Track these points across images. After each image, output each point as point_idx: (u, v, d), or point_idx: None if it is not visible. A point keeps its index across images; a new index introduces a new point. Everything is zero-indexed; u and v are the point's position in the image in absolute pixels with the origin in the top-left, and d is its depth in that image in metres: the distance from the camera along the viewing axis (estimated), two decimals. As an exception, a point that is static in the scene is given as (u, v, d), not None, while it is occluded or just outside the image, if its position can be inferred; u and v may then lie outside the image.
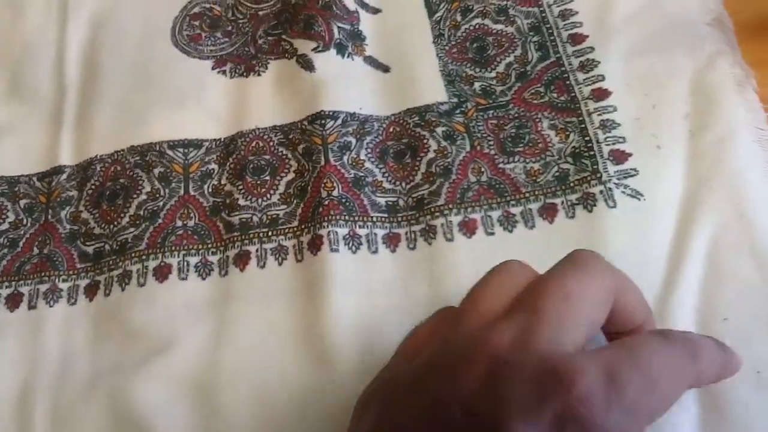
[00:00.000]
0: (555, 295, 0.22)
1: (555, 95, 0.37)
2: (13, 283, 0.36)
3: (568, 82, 0.37)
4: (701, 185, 0.34)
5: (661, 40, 0.38)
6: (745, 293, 0.31)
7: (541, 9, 0.40)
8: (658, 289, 0.32)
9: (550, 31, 0.39)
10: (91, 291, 0.35)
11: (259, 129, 0.38)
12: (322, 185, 0.35)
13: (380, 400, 0.24)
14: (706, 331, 0.31)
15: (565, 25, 0.39)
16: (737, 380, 0.27)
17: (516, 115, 0.37)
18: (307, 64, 0.39)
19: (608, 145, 0.35)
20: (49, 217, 0.38)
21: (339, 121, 0.37)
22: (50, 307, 0.35)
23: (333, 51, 0.40)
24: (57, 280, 0.36)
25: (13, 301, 0.36)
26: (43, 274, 0.36)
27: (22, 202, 0.38)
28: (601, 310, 0.23)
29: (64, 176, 0.39)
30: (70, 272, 0.36)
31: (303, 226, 0.35)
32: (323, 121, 0.37)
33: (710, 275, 0.32)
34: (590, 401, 0.19)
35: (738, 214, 0.33)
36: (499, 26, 0.40)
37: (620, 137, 0.35)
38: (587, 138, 0.36)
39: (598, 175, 0.34)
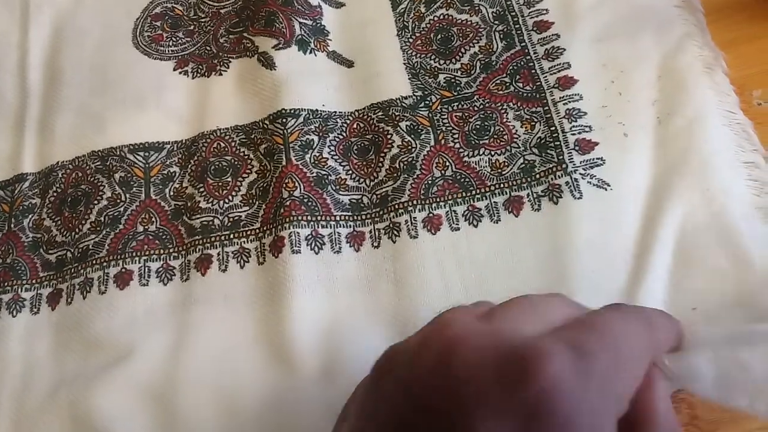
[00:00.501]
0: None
1: (520, 85, 0.36)
2: (-24, 294, 0.36)
3: (533, 71, 0.37)
4: (669, 172, 0.33)
5: (628, 24, 0.37)
6: (714, 282, 0.31)
7: (506, -3, 0.39)
8: (625, 280, 0.31)
9: (516, 19, 0.38)
10: (53, 300, 0.35)
11: (220, 129, 0.38)
12: (284, 185, 0.35)
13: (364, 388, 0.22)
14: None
15: (530, 12, 0.38)
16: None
17: (481, 106, 0.36)
18: (267, 62, 0.38)
19: (574, 134, 0.34)
20: (12, 226, 0.37)
21: (300, 119, 0.37)
22: (13, 317, 0.35)
23: (294, 47, 0.39)
24: (20, 289, 0.36)
25: (-24, 313, 0.35)
26: (6, 283, 0.36)
27: (-15, 212, 0.38)
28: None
29: (27, 184, 0.38)
30: (33, 281, 0.36)
31: (265, 228, 0.34)
32: (284, 120, 0.36)
33: (679, 264, 0.31)
34: (562, 386, 0.18)
35: (707, 201, 0.32)
36: (464, 16, 0.39)
37: (586, 126, 0.34)
38: (553, 128, 0.35)
39: (564, 165, 0.34)
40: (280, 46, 0.39)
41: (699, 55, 0.35)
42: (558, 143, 0.34)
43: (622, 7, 0.37)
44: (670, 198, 0.32)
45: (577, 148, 0.34)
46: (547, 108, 0.35)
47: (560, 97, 0.35)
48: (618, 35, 0.37)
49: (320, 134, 0.37)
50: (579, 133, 0.34)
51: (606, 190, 0.33)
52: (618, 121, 0.34)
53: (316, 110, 0.37)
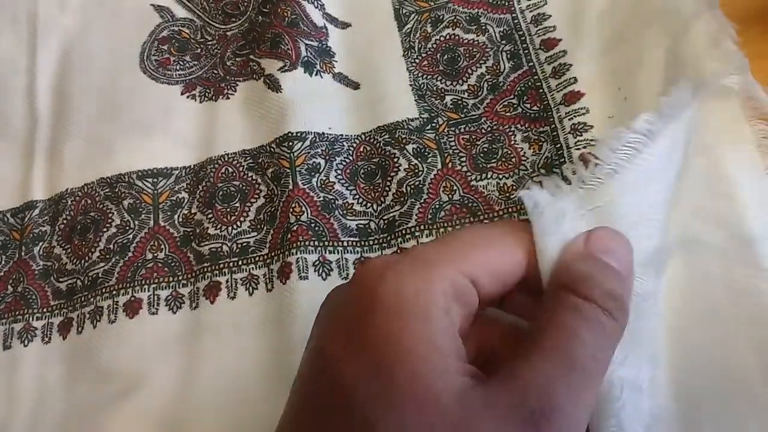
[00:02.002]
0: None
1: (528, 106, 0.36)
2: (-12, 323, 0.36)
3: (540, 91, 0.36)
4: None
5: (632, 28, 0.36)
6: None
7: (513, 15, 0.39)
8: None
9: (523, 38, 0.38)
10: (64, 328, 0.35)
11: (228, 154, 0.38)
12: (291, 210, 0.35)
13: None
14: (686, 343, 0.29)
15: (537, 30, 0.38)
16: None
17: (488, 129, 0.36)
18: (273, 85, 0.38)
19: (578, 149, 0.34)
20: (23, 254, 0.38)
21: (307, 143, 0.37)
22: (25, 346, 0.35)
23: (300, 69, 0.39)
24: (31, 318, 0.36)
25: (-12, 341, 0.36)
26: (17, 312, 0.36)
27: (-3, 239, 0.38)
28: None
29: (37, 211, 0.39)
30: (44, 310, 0.36)
31: (273, 254, 0.34)
32: (291, 143, 0.36)
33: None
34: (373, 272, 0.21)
35: (715, 194, 0.31)
36: (471, 36, 0.39)
37: (592, 140, 0.34)
38: (558, 146, 0.34)
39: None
40: (286, 68, 0.39)
41: (705, 32, 0.32)
42: (563, 161, 0.34)
43: (628, 12, 0.36)
44: (679, 201, 0.31)
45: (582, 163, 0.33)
46: (554, 126, 0.35)
47: (566, 113, 0.35)
48: (624, 38, 0.36)
49: (327, 158, 0.36)
50: (584, 147, 0.34)
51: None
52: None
53: (323, 133, 0.37)
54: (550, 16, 0.38)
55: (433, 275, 0.20)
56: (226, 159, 0.38)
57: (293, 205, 0.35)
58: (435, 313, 0.20)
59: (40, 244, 0.38)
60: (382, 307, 0.20)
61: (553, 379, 0.19)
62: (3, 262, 0.38)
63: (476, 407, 0.18)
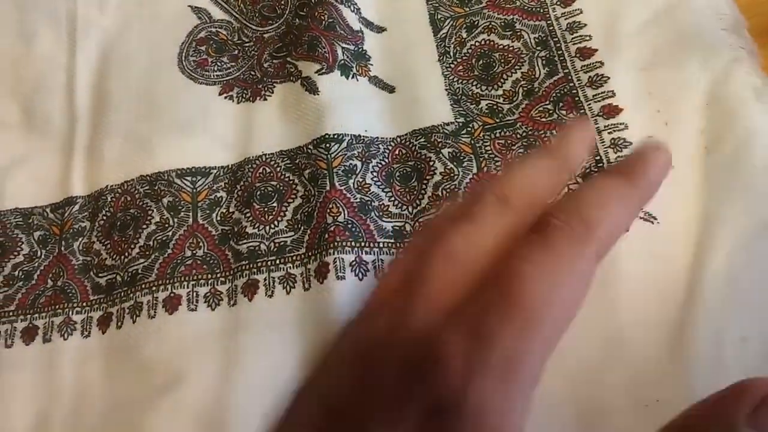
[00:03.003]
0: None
1: (564, 113, 0.36)
2: (29, 316, 0.37)
3: (577, 99, 0.37)
4: (718, 203, 0.33)
5: (673, 51, 0.37)
6: (765, 309, 0.30)
7: (549, 22, 0.39)
8: (676, 313, 0.31)
9: (558, 45, 0.38)
10: (103, 323, 0.36)
11: (265, 155, 0.38)
12: (328, 211, 0.35)
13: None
14: (723, 353, 0.30)
15: (573, 38, 0.38)
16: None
17: (524, 134, 0.36)
18: (311, 87, 0.39)
19: (618, 164, 0.34)
20: (63, 248, 0.38)
21: (344, 144, 0.37)
22: (65, 340, 0.36)
23: (337, 72, 0.39)
24: (71, 312, 0.36)
25: (28, 335, 0.36)
26: (57, 306, 0.37)
27: (36, 234, 0.39)
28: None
29: (77, 207, 0.39)
30: (84, 304, 0.37)
31: (310, 253, 0.35)
32: (328, 145, 0.37)
33: (730, 295, 0.31)
34: (456, 389, 0.16)
35: (757, 229, 0.32)
36: (506, 41, 0.39)
37: None
38: (597, 158, 0.35)
39: (609, 196, 0.33)
40: (323, 71, 0.39)
41: (747, 81, 0.35)
42: (602, 172, 0.34)
43: (667, 31, 0.37)
44: (718, 229, 0.32)
45: (622, 178, 0.34)
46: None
47: (605, 126, 0.35)
48: (663, 62, 0.36)
49: (363, 160, 0.37)
50: (624, 162, 0.34)
51: (653, 223, 0.33)
52: (664, 152, 0.34)
53: (359, 135, 0.38)
54: (586, 25, 0.39)
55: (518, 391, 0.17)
56: (264, 159, 0.38)
57: (330, 206, 0.35)
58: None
59: (80, 239, 0.38)
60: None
61: None
62: (43, 257, 0.38)
63: None
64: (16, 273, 0.38)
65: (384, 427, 0.17)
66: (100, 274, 0.37)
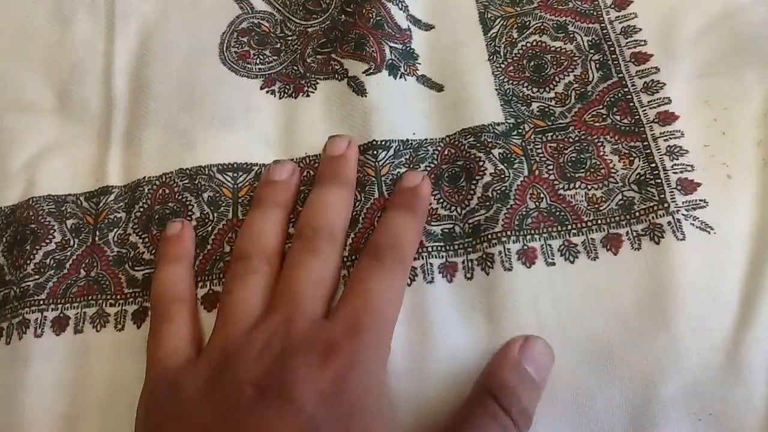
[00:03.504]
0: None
1: (618, 118, 0.36)
2: (60, 306, 0.36)
3: (631, 104, 0.36)
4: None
5: (730, 60, 0.36)
6: None
7: (602, 25, 0.38)
8: (731, 327, 0.30)
9: (612, 49, 0.38)
10: (139, 317, 0.35)
11: (309, 157, 0.37)
12: (375, 219, 0.34)
13: (163, 410, 0.28)
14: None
15: (627, 43, 0.38)
16: None
17: (576, 138, 0.36)
18: (358, 88, 0.38)
19: (676, 173, 0.33)
20: (97, 238, 0.37)
21: (391, 152, 0.36)
22: (97, 331, 0.35)
23: (385, 72, 0.38)
24: (104, 304, 0.35)
25: (59, 325, 0.35)
26: (90, 297, 0.36)
27: (69, 222, 0.38)
28: None
29: (112, 197, 0.38)
30: (118, 297, 0.36)
31: (354, 257, 0.34)
32: (375, 152, 0.36)
33: None
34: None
35: None
36: (558, 43, 0.38)
37: (688, 165, 0.33)
38: (653, 164, 0.34)
39: (666, 204, 0.33)
40: (371, 71, 0.38)
41: None
42: (659, 181, 0.33)
43: (724, 40, 0.36)
44: None
45: (679, 187, 0.33)
46: (646, 143, 0.34)
47: (660, 133, 0.35)
48: (720, 71, 0.36)
49: (411, 166, 0.36)
50: (681, 172, 0.33)
51: (709, 233, 0.32)
52: (722, 162, 0.33)
53: (407, 140, 0.37)
54: (641, 29, 0.38)
55: None
56: (308, 162, 0.37)
57: (378, 214, 0.34)
58: None
59: (115, 230, 0.37)
60: None
61: None
62: (76, 246, 0.37)
63: None
64: (48, 261, 0.37)
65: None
66: (137, 268, 0.36)
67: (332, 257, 0.32)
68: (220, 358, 0.29)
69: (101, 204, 0.38)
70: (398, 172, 0.36)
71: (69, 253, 0.37)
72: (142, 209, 0.37)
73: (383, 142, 0.36)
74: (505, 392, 0.28)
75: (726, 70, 0.36)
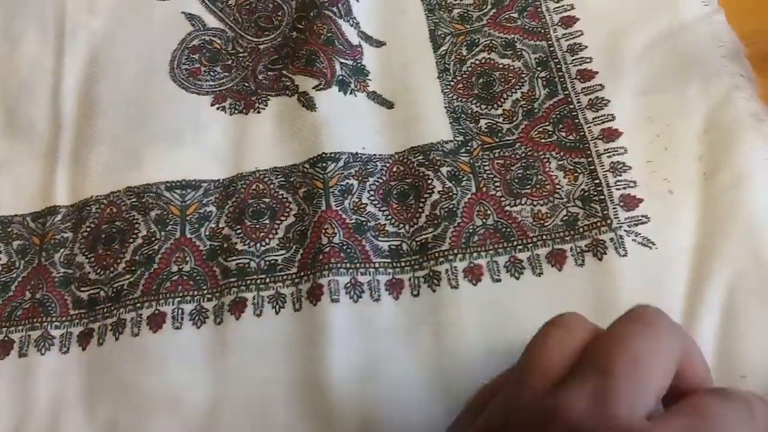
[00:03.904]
0: (624, 356, 0.21)
1: (563, 134, 0.36)
2: (4, 329, 0.35)
3: (576, 121, 0.36)
4: (716, 231, 0.32)
5: (673, 76, 0.36)
6: (764, 349, 0.30)
7: (549, 43, 0.39)
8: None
9: (559, 66, 0.38)
10: (84, 339, 0.34)
11: (259, 171, 0.37)
12: (323, 231, 0.34)
13: None
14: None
15: (573, 60, 0.38)
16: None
17: (523, 154, 0.36)
18: (308, 103, 0.38)
19: (619, 189, 0.34)
20: (43, 259, 0.37)
21: (341, 163, 0.36)
22: (42, 354, 0.34)
23: (335, 88, 0.38)
24: (49, 326, 0.35)
25: (3, 348, 0.35)
26: (35, 320, 0.35)
27: (15, 244, 0.37)
28: (669, 373, 0.22)
29: (59, 217, 0.38)
30: (63, 318, 0.35)
31: (302, 274, 0.34)
32: (324, 164, 0.36)
33: (727, 329, 0.30)
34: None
35: (756, 262, 0.31)
36: (506, 61, 0.39)
37: (631, 181, 0.34)
38: (597, 181, 0.34)
39: (609, 221, 0.33)
40: (321, 86, 0.38)
41: (746, 107, 0.35)
42: (602, 197, 0.34)
43: (668, 57, 0.37)
44: (716, 258, 0.31)
45: (622, 203, 0.33)
46: (590, 160, 0.35)
47: (604, 149, 0.35)
48: (663, 87, 0.36)
49: (360, 178, 0.36)
50: (624, 188, 0.34)
51: (651, 248, 0.32)
52: (663, 177, 0.34)
53: (356, 153, 0.37)
54: (587, 47, 0.38)
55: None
56: (257, 176, 0.37)
57: (326, 227, 0.34)
58: None
59: (62, 250, 0.37)
60: None
61: None
62: (21, 267, 0.37)
63: None
64: (-7, 284, 0.36)
65: None
66: (83, 288, 0.36)
67: None
68: None
69: (48, 224, 0.38)
70: (347, 183, 0.36)
71: (15, 275, 0.37)
72: (89, 229, 0.37)
73: (332, 154, 0.36)
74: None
75: (669, 87, 0.36)
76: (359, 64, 0.40)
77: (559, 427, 0.20)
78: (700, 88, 0.36)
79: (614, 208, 0.33)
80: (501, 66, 0.39)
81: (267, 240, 0.35)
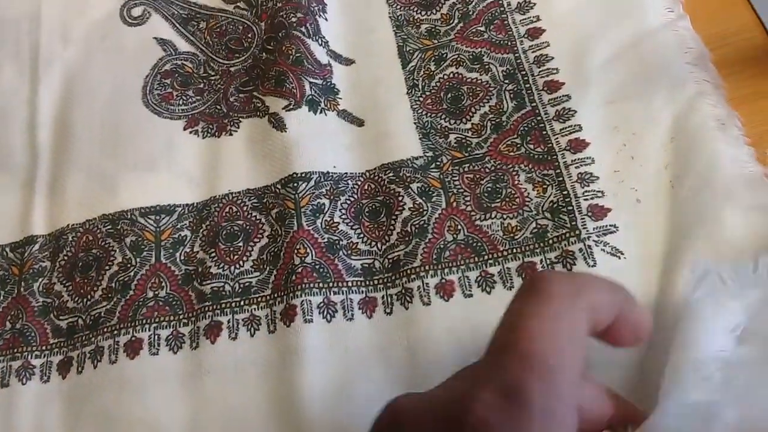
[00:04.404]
0: (523, 351, 0.21)
1: (531, 146, 0.36)
2: (-14, 360, 0.36)
3: (544, 133, 0.36)
4: (683, 238, 0.32)
5: (639, 85, 0.37)
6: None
7: (516, 55, 0.39)
8: (638, 351, 0.31)
9: (526, 78, 0.38)
10: (64, 368, 0.35)
11: (232, 193, 0.38)
12: (295, 251, 0.35)
13: None
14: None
15: (540, 72, 0.38)
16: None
17: (492, 168, 0.36)
18: (278, 124, 0.38)
19: (587, 199, 0.34)
20: (22, 289, 0.37)
21: (312, 183, 0.37)
22: (23, 384, 0.35)
23: (305, 108, 0.39)
24: (30, 356, 0.35)
25: (-15, 379, 0.35)
26: (15, 350, 0.36)
27: (-5, 274, 0.38)
28: (578, 347, 0.21)
29: (37, 246, 0.38)
30: (44, 348, 0.36)
31: (276, 295, 0.34)
32: (295, 184, 0.36)
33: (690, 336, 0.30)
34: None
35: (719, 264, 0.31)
36: (474, 74, 0.39)
37: (599, 191, 0.34)
38: (565, 192, 0.34)
39: (577, 232, 0.33)
40: (291, 107, 0.39)
41: (712, 113, 0.35)
42: (571, 208, 0.34)
43: (633, 66, 0.37)
44: (684, 264, 0.32)
45: (590, 214, 0.34)
46: (558, 171, 0.35)
47: (572, 160, 0.35)
48: (629, 97, 0.36)
49: (331, 197, 0.36)
50: (591, 198, 0.34)
51: (620, 258, 0.33)
52: (631, 187, 0.34)
53: (327, 172, 0.37)
54: (553, 58, 0.38)
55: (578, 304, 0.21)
56: (230, 198, 0.38)
57: (298, 247, 0.35)
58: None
59: (40, 280, 0.37)
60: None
61: None
62: (1, 298, 0.37)
63: None
64: (-26, 315, 0.37)
65: None
66: (61, 317, 0.36)
67: None
68: None
69: (26, 254, 0.38)
70: (318, 202, 0.36)
71: (-5, 306, 0.37)
72: (66, 257, 0.37)
73: (303, 174, 0.37)
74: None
75: (635, 96, 0.36)
76: (329, 83, 0.40)
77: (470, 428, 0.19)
78: (666, 96, 0.36)
79: (582, 219, 0.34)
80: (469, 80, 0.39)
81: (241, 262, 0.36)
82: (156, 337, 0.34)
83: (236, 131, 0.40)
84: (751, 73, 0.38)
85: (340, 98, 0.40)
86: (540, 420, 0.19)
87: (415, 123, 0.38)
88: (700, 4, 0.39)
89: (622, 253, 0.33)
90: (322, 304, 0.33)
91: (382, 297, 0.34)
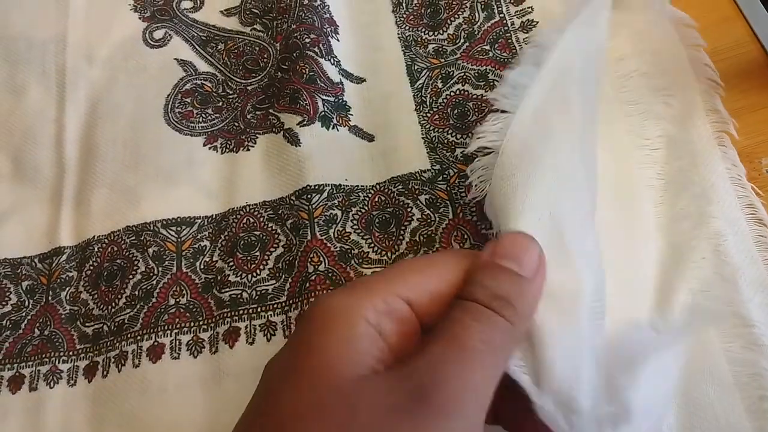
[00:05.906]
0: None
1: (535, 159, 0.38)
2: (15, 365, 0.37)
3: (547, 146, 0.38)
4: (680, 250, 0.33)
5: (638, 91, 0.38)
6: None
7: (520, 72, 0.41)
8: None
9: (529, 94, 0.40)
10: (90, 372, 0.37)
11: (249, 205, 0.39)
12: (309, 260, 0.36)
13: None
14: (691, 399, 0.31)
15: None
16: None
17: (497, 180, 0.38)
18: (292, 139, 0.40)
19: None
20: (50, 298, 0.39)
21: (324, 195, 0.38)
22: (51, 388, 0.37)
23: (318, 124, 0.41)
24: (57, 361, 0.37)
25: (14, 384, 0.37)
26: (43, 355, 0.37)
27: (24, 284, 0.40)
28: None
29: (64, 257, 0.40)
30: (70, 353, 0.37)
31: (291, 302, 0.36)
32: (309, 196, 0.38)
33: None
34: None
35: (719, 278, 0.32)
36: (479, 91, 0.41)
37: None
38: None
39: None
40: (305, 123, 0.41)
41: (708, 124, 0.36)
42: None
43: (641, 80, 0.38)
44: (681, 277, 0.33)
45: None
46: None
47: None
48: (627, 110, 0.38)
49: (343, 209, 0.38)
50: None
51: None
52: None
53: (340, 185, 0.39)
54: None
55: (363, 295, 0.23)
56: (248, 210, 0.39)
57: (311, 255, 0.36)
58: (358, 322, 0.22)
59: (67, 289, 0.39)
60: (312, 321, 0.23)
61: (439, 358, 0.21)
62: (30, 306, 0.39)
63: (368, 387, 0.21)
64: (4, 322, 0.39)
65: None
66: (87, 324, 0.38)
67: None
68: None
69: (54, 264, 0.40)
70: (331, 213, 0.38)
71: (24, 314, 0.39)
72: (92, 267, 0.39)
73: (317, 186, 0.38)
74: (470, 286, 0.24)
75: (634, 108, 0.38)
76: (341, 100, 0.42)
77: None
78: (662, 106, 0.37)
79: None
80: (474, 96, 0.41)
81: (258, 271, 0.37)
82: (177, 342, 0.36)
83: (253, 146, 0.42)
84: (744, 87, 0.40)
85: (351, 114, 0.42)
86: None
87: (423, 138, 0.40)
88: (696, 19, 0.41)
89: (622, 261, 0.34)
90: (335, 310, 0.35)
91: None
